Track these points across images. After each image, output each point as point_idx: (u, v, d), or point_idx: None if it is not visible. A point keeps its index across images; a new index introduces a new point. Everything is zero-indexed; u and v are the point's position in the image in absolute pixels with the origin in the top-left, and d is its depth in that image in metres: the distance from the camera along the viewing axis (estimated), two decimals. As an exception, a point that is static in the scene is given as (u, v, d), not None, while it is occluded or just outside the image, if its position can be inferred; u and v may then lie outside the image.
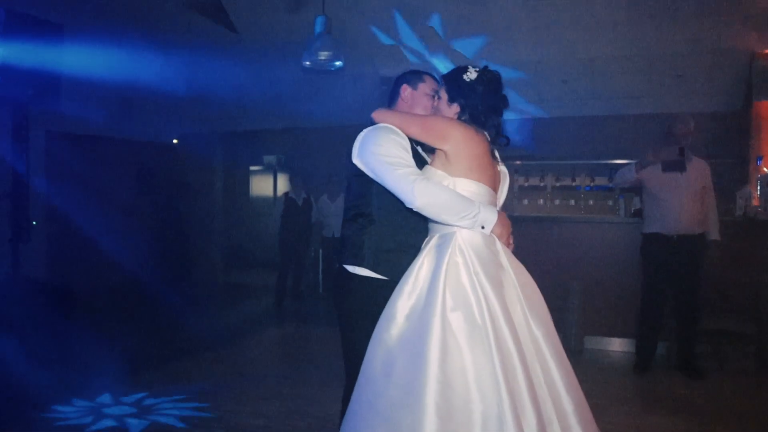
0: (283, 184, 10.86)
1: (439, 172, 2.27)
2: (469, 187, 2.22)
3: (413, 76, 2.55)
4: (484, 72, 2.36)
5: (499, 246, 2.23)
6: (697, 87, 7.05)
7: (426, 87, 2.50)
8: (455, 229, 2.18)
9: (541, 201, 7.28)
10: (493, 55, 7.01)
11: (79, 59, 5.47)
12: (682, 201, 4.63)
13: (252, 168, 11.29)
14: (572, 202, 7.20)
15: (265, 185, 11.20)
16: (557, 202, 7.25)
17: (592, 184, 7.15)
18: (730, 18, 6.28)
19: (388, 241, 2.38)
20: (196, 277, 9.41)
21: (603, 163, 7.13)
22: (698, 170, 4.70)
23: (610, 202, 6.79)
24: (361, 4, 6.90)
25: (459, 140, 2.23)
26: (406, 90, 2.52)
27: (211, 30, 7.42)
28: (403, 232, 2.37)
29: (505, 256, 2.22)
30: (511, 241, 2.30)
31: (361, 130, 2.42)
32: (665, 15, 6.36)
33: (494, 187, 2.32)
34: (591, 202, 7.04)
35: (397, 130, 2.33)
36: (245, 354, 5.55)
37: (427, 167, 2.34)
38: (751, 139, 6.64)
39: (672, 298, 4.85)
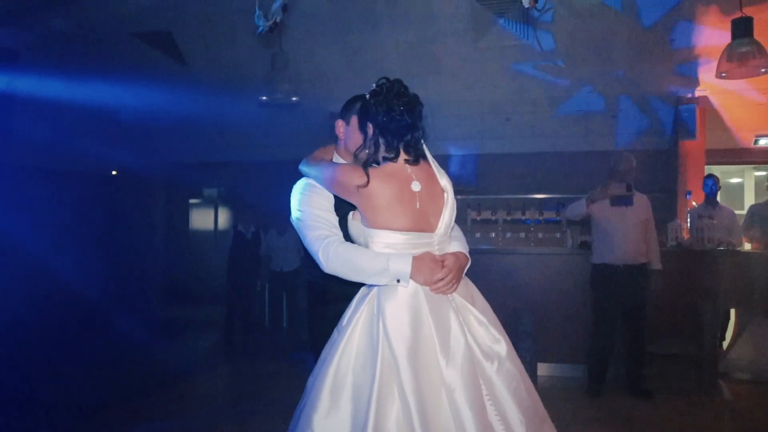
0: (224, 218, 10.72)
1: (356, 224, 2.18)
2: (385, 238, 2.09)
3: (346, 110, 2.38)
4: (381, 84, 2.17)
5: (422, 294, 2.04)
6: (630, 127, 7.59)
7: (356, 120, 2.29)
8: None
9: (493, 234, 7.56)
10: (441, 96, 7.32)
11: (30, 86, 5.33)
12: (629, 233, 4.95)
13: (192, 201, 11.08)
14: (522, 234, 7.51)
15: (205, 219, 11.00)
16: (508, 235, 7.55)
17: (541, 218, 7.49)
18: (660, 65, 6.85)
19: (350, 285, 2.22)
20: (135, 313, 9.08)
21: (550, 197, 7.50)
22: (641, 204, 5.06)
23: (558, 235, 7.15)
24: (311, 39, 7.07)
25: (363, 191, 2.09)
26: (340, 126, 2.41)
27: (159, 61, 7.38)
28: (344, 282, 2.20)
29: (430, 306, 2.04)
30: (443, 285, 2.06)
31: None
32: (602, 60, 6.86)
33: (421, 225, 2.13)
34: (540, 235, 7.37)
35: (316, 184, 2.26)
36: (199, 391, 5.43)
37: (348, 219, 2.23)
38: (679, 176, 7.19)
39: (620, 325, 5.14)
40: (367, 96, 2.18)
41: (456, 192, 2.27)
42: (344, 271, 2.10)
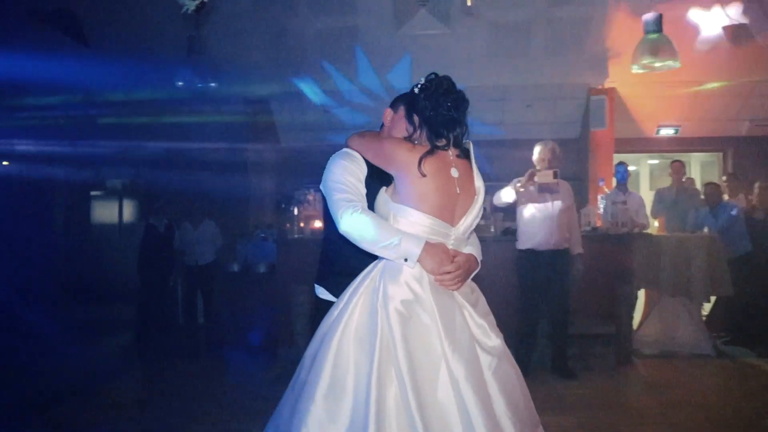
0: (129, 211, 10.16)
1: (385, 197, 2.24)
2: (409, 217, 2.13)
3: (397, 99, 2.46)
4: (430, 79, 2.24)
5: (427, 281, 2.08)
6: (543, 116, 7.87)
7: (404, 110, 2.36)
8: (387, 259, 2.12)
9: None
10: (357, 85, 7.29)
11: None
12: (554, 219, 5.12)
13: (93, 193, 10.40)
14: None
15: (109, 212, 10.36)
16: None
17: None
18: (571, 58, 7.13)
19: (340, 263, 2.39)
20: (36, 315, 8.42)
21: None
22: (565, 191, 5.24)
23: (482, 222, 7.27)
24: (230, 24, 6.79)
25: (402, 164, 2.15)
26: (388, 114, 2.48)
27: (61, 42, 6.83)
28: (354, 256, 2.27)
29: (433, 293, 2.06)
30: (449, 279, 2.10)
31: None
32: (518, 53, 7.05)
33: (446, 215, 2.16)
34: None
35: (356, 154, 2.33)
36: (113, 397, 5.10)
37: (380, 192, 2.30)
38: (589, 163, 7.53)
39: (545, 307, 5.31)
40: (416, 90, 2.24)
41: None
42: (357, 234, 2.12)
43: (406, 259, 2.07)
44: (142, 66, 6.52)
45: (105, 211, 10.39)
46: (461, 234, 2.21)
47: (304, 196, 6.27)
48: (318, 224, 6.22)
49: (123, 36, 6.74)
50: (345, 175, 2.26)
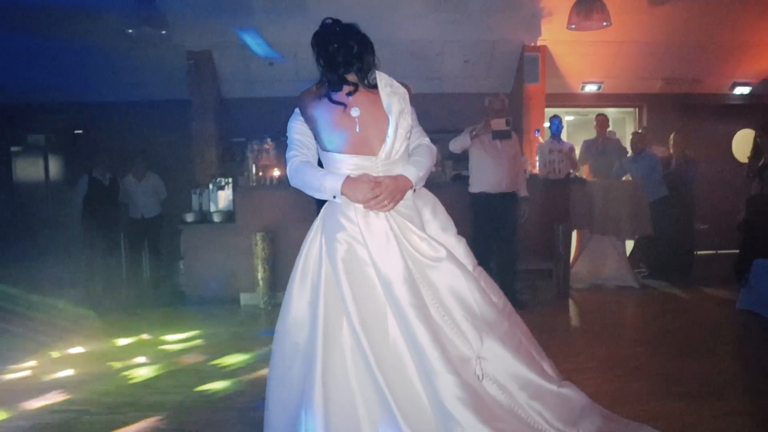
0: (55, 167, 9.74)
1: (318, 148, 2.42)
2: (332, 160, 2.35)
3: None
4: (322, 24, 2.36)
5: (354, 210, 2.27)
6: (479, 71, 8.27)
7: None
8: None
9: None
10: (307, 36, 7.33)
11: None
12: (505, 164, 5.54)
13: (13, 149, 9.86)
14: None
15: (34, 170, 9.86)
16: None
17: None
18: (508, 16, 7.53)
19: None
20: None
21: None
22: (514, 138, 5.67)
23: (434, 169, 7.62)
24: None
25: (310, 117, 2.35)
26: None
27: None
28: None
29: (363, 222, 2.27)
30: (375, 203, 2.25)
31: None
32: (456, 9, 7.37)
33: (362, 149, 2.32)
34: None
35: (298, 112, 2.45)
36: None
37: None
38: (523, 116, 8.05)
39: (495, 246, 5.77)
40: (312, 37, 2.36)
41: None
42: (298, 183, 2.37)
43: (334, 196, 2.28)
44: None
45: (28, 169, 9.89)
46: (385, 159, 2.33)
47: (260, 146, 6.36)
48: (276, 173, 6.37)
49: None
50: (292, 133, 2.43)
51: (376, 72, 2.38)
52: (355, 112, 2.31)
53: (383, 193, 2.24)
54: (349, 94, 2.32)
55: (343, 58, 2.29)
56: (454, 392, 2.07)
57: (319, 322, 2.22)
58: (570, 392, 2.43)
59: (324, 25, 2.33)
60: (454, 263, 2.32)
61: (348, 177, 2.26)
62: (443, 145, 7.24)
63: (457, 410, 2.06)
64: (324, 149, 2.36)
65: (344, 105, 2.31)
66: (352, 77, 2.33)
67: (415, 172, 2.34)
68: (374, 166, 2.32)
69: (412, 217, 2.36)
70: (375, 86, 2.37)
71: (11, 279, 7.22)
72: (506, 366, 2.27)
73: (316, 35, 2.34)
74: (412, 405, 2.14)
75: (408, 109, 2.37)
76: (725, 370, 3.88)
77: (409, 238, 2.31)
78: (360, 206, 2.27)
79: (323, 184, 2.26)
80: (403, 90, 2.40)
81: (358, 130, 2.31)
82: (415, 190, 2.38)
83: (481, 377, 2.21)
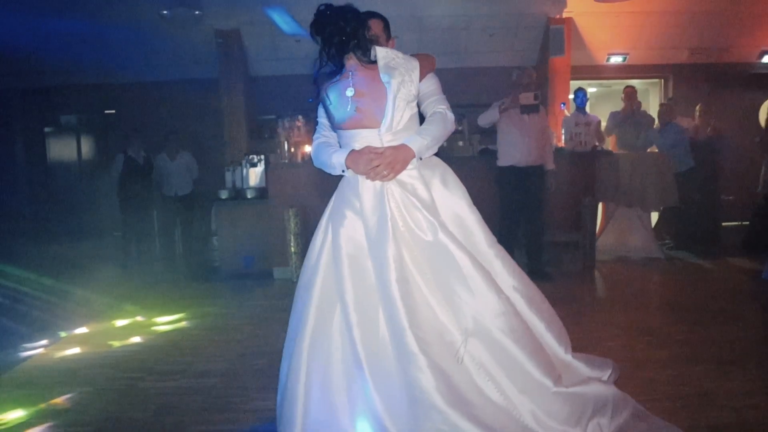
0: (88, 147, 10.00)
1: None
2: (341, 137, 2.50)
3: None
4: (316, 12, 2.38)
5: (360, 182, 2.37)
6: (504, 45, 8.28)
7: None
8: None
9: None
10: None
11: None
12: (533, 138, 5.62)
13: (47, 130, 10.13)
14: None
15: (67, 150, 10.14)
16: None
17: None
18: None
19: None
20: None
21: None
22: (542, 112, 5.74)
23: (461, 143, 7.73)
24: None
25: (322, 96, 2.46)
26: None
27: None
28: None
29: (373, 190, 2.36)
30: (375, 173, 2.32)
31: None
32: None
33: (362, 123, 2.40)
34: (444, 144, 7.90)
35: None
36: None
37: None
38: (548, 89, 8.07)
39: (522, 218, 5.88)
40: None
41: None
42: (318, 164, 2.55)
43: (343, 171, 2.43)
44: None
45: (62, 149, 10.16)
46: (387, 131, 2.38)
47: (292, 123, 6.49)
48: (308, 149, 6.51)
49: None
50: (318, 117, 2.60)
51: (376, 48, 2.43)
52: (349, 92, 2.38)
53: (383, 162, 2.31)
54: (351, 71, 2.40)
55: (338, 39, 2.34)
56: (428, 377, 2.11)
57: (313, 300, 2.41)
58: (582, 389, 2.41)
59: (318, 12, 2.36)
60: (448, 234, 2.32)
61: (352, 150, 2.38)
62: (470, 119, 7.37)
63: (429, 394, 2.10)
64: (334, 128, 2.52)
65: (344, 85, 2.40)
66: (351, 57, 2.40)
67: (419, 140, 2.36)
68: (378, 139, 2.39)
69: (415, 186, 2.38)
70: (375, 62, 2.43)
71: (49, 258, 7.54)
72: (496, 353, 2.26)
73: (312, 24, 2.38)
74: (391, 395, 2.20)
75: (410, 78, 2.37)
76: (749, 338, 3.96)
77: (412, 214, 2.34)
78: (366, 182, 2.36)
79: (332, 160, 2.43)
80: (414, 62, 2.41)
81: (358, 106, 2.38)
82: (420, 158, 2.41)
83: (460, 360, 2.21)
